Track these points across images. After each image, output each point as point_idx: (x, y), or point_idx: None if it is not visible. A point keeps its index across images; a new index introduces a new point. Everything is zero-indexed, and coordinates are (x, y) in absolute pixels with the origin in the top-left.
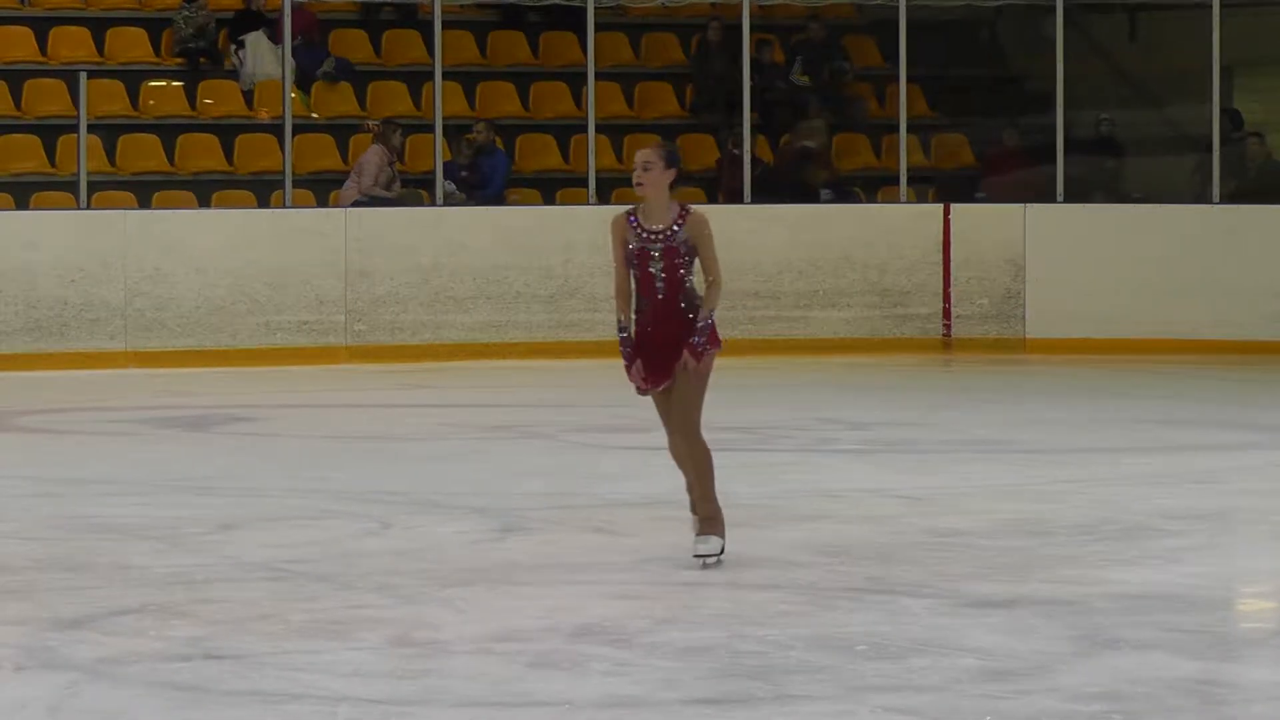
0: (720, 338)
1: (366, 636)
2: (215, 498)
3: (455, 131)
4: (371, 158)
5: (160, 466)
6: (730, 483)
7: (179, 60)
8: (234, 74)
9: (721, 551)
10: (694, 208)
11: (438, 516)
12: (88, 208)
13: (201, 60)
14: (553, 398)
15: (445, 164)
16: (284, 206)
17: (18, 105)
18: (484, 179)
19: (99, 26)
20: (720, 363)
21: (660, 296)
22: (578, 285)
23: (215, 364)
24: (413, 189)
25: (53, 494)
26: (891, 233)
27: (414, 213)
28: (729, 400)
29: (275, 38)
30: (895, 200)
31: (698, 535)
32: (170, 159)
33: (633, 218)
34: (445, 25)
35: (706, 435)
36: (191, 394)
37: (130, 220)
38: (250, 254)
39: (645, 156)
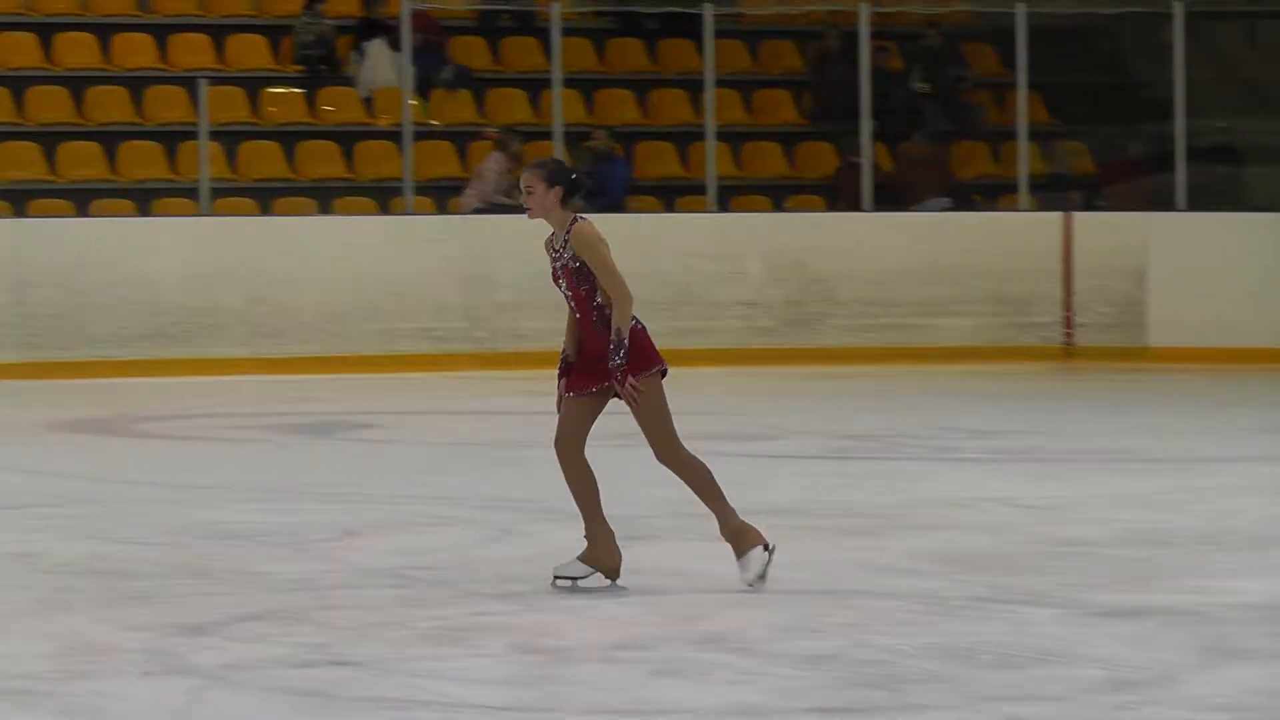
0: (652, 358)
1: (489, 643)
2: (338, 504)
3: (574, 139)
4: (491, 165)
5: (283, 473)
6: (851, 491)
7: (298, 67)
8: (353, 81)
9: (768, 559)
10: (581, 223)
11: (560, 523)
12: (209, 214)
13: (321, 67)
14: (673, 405)
15: None
16: (404, 213)
17: (138, 112)
18: (604, 186)
19: (218, 33)
20: (842, 370)
21: (577, 316)
22: (696, 292)
23: (337, 370)
24: None
25: (176, 500)
26: (1011, 240)
27: (533, 220)
28: (849, 408)
29: (395, 45)
30: (1015, 208)
31: (738, 559)
32: (291, 165)
33: (551, 238)
34: (564, 32)
35: (826, 442)
36: (314, 400)
37: (251, 227)
38: (371, 261)
39: (526, 180)
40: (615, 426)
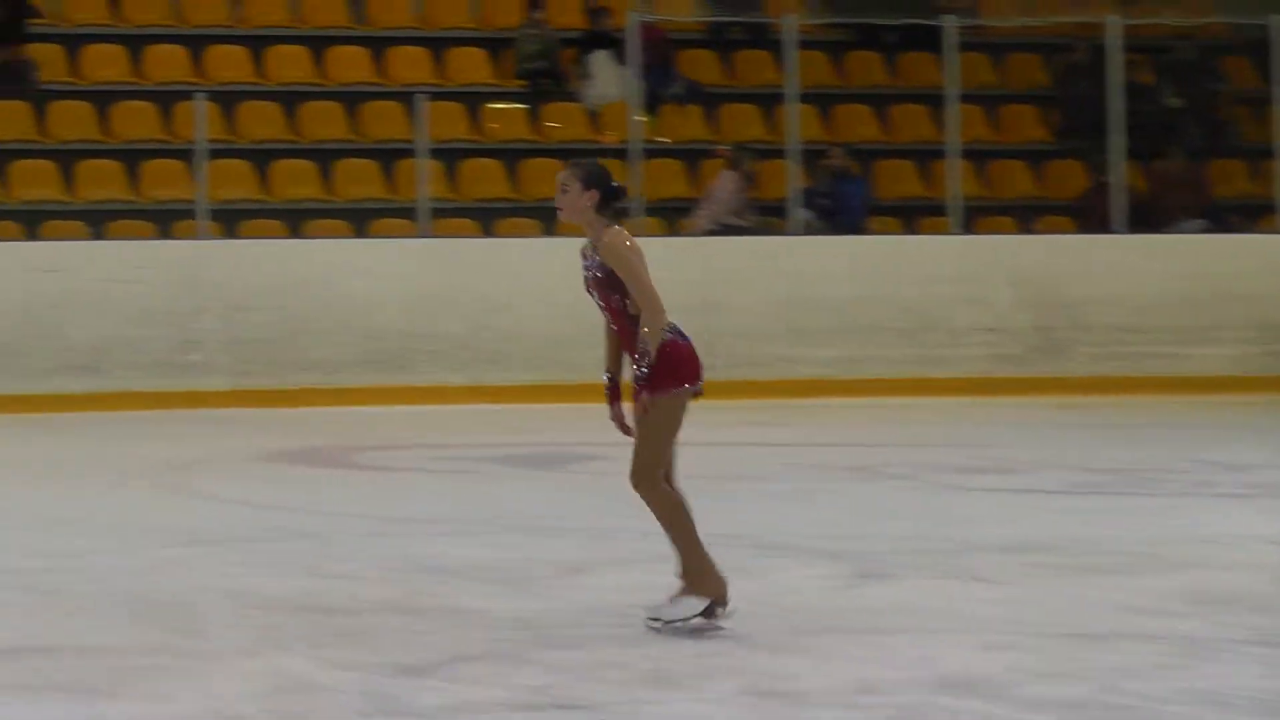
0: (682, 377)
1: (720, 686)
2: (561, 539)
3: (810, 156)
4: (723, 184)
5: (504, 506)
6: (1101, 528)
7: (521, 82)
8: (578, 96)
9: (699, 618)
10: (612, 231)
11: (792, 560)
12: (429, 235)
13: (544, 81)
14: (912, 436)
15: (803, 191)
16: (633, 234)
17: (354, 128)
18: (841, 206)
19: (437, 46)
20: (1092, 400)
21: (614, 328)
22: (939, 318)
23: (562, 399)
24: (766, 217)
25: (393, 534)
26: (1273, 264)
27: (768, 242)
28: (1099, 441)
29: (622, 58)
30: (1276, 230)
31: (672, 595)
32: (513, 184)
33: (585, 245)
34: (799, 45)
35: (1075, 476)
36: (537, 430)
37: (473, 248)
38: None
39: (562, 177)
40: (845, 459)
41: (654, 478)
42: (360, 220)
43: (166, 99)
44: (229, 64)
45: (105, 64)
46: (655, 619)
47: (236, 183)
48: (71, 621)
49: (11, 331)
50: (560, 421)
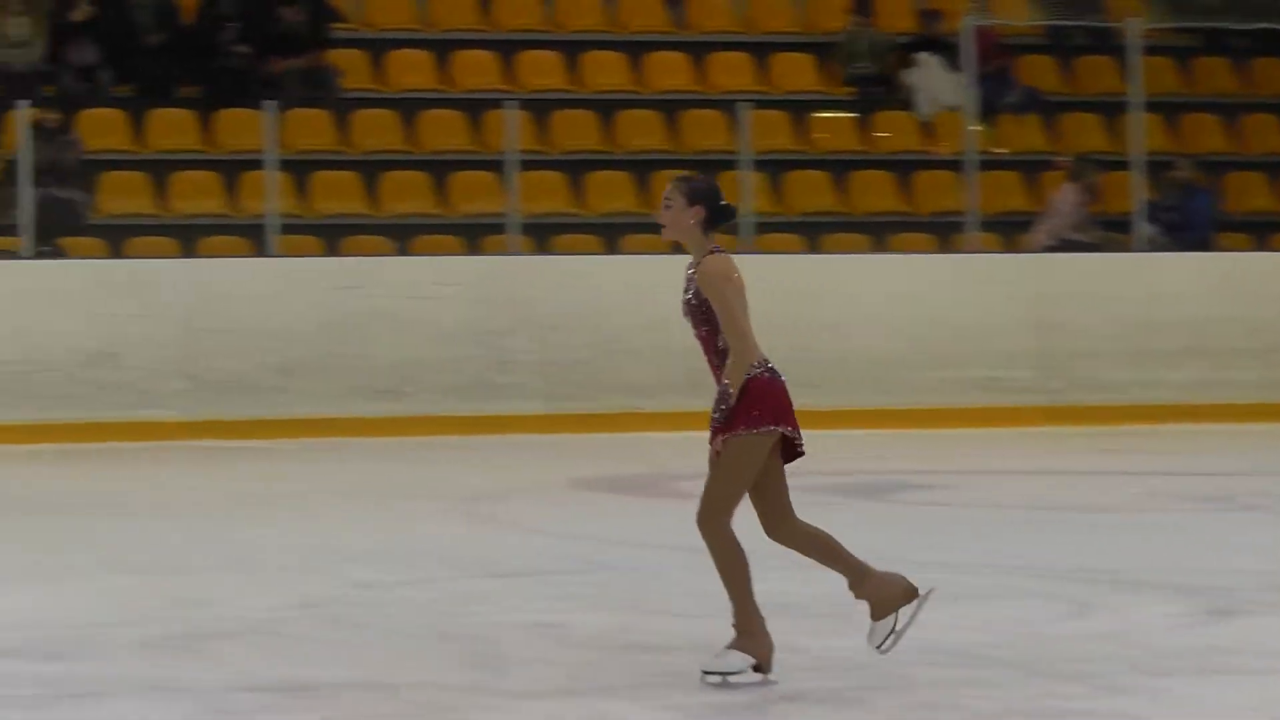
0: (764, 418)
1: None
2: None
3: (1155, 168)
4: (1064, 198)
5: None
6: None
7: (849, 89)
8: (909, 104)
9: (744, 675)
10: (713, 255)
11: (1142, 596)
12: (752, 251)
13: (873, 89)
14: (1268, 464)
15: (1148, 205)
16: (968, 251)
17: (672, 138)
18: (1188, 220)
19: (760, 51)
20: None
21: (708, 361)
22: None
23: (891, 425)
24: (1109, 232)
25: (714, 568)
26: None
27: (1112, 258)
28: None
29: (955, 64)
30: None
31: (722, 650)
32: (841, 197)
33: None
34: (1143, 51)
35: None
36: (865, 458)
37: (798, 265)
38: (930, 302)
39: (667, 191)
40: (1197, 488)
41: (720, 520)
42: None
43: (476, 107)
44: (541, 70)
45: (411, 70)
46: (707, 671)
47: (549, 195)
48: (371, 657)
49: (311, 351)
50: (889, 447)
